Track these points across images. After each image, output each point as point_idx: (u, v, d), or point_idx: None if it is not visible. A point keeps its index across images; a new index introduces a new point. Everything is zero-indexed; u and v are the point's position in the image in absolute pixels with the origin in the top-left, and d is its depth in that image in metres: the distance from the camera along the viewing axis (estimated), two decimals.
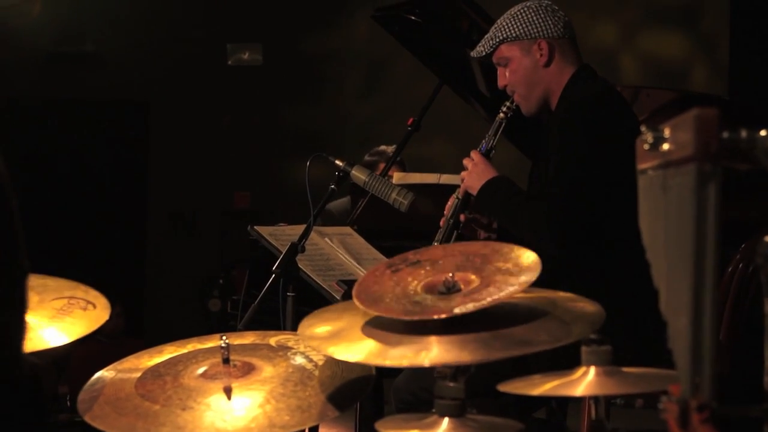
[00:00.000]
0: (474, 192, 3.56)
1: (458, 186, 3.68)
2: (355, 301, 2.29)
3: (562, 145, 3.40)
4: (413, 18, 4.63)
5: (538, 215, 3.35)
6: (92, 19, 9.76)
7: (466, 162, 3.60)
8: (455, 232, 3.64)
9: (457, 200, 3.64)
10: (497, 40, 3.59)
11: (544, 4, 3.60)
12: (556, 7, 3.62)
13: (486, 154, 3.61)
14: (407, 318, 2.22)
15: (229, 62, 9.77)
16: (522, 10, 3.59)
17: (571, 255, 3.34)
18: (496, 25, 3.63)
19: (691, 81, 8.47)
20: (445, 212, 3.66)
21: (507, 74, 3.62)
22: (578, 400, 2.78)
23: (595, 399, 2.25)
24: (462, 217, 3.63)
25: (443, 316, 2.18)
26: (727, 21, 8.31)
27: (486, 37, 3.64)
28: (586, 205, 3.31)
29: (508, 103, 3.64)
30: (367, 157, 6.13)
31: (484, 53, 3.64)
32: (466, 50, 3.81)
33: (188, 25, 9.73)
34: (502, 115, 3.65)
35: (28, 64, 9.72)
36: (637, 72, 8.57)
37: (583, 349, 2.15)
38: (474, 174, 3.56)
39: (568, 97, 3.53)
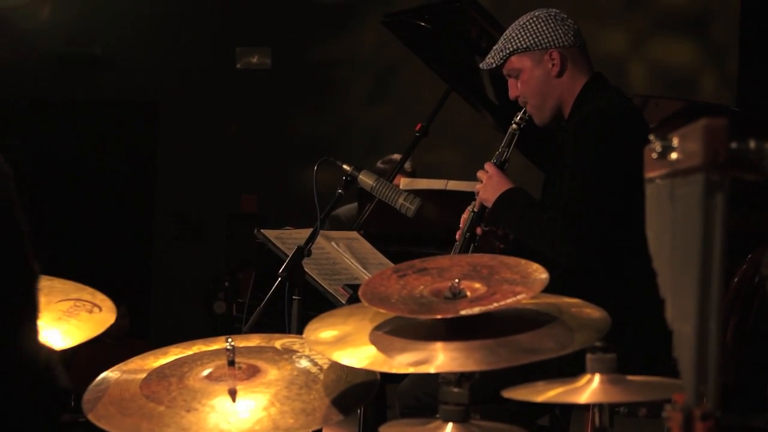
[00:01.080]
0: (489, 204, 3.54)
1: (466, 192, 3.68)
2: (361, 299, 2.30)
3: (577, 157, 3.38)
4: (423, 24, 4.63)
5: (552, 228, 3.34)
6: (101, 21, 9.78)
7: (480, 174, 3.58)
8: (472, 245, 3.62)
9: (472, 213, 3.62)
10: (507, 51, 3.56)
11: (553, 13, 3.57)
12: (566, 16, 3.59)
13: (500, 167, 3.59)
14: (412, 316, 2.23)
15: (238, 65, 9.79)
16: (531, 20, 3.56)
17: (585, 267, 3.33)
18: (505, 36, 3.59)
19: (699, 90, 8.47)
20: (460, 225, 3.65)
21: (519, 85, 3.59)
22: (582, 408, 2.78)
23: (599, 407, 2.25)
24: (478, 230, 3.61)
25: (449, 315, 2.18)
26: (737, 30, 8.30)
27: (495, 48, 3.61)
28: (601, 217, 3.30)
29: (520, 114, 3.62)
30: (379, 164, 6.15)
31: (494, 65, 3.61)
32: (475, 57, 3.81)
33: (197, 27, 9.75)
34: (514, 126, 3.62)
35: (38, 66, 9.75)
36: (646, 80, 8.57)
37: (588, 356, 2.16)
38: (489, 186, 3.54)
39: (582, 108, 3.51)
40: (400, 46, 4.89)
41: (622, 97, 3.59)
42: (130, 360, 2.56)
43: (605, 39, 8.49)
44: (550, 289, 2.28)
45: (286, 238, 3.82)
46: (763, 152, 1.52)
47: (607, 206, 3.30)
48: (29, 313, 1.65)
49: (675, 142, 1.57)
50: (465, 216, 3.65)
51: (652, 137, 1.61)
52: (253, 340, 2.60)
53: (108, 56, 9.83)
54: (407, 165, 5.96)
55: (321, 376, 2.41)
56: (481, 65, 3.68)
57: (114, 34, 9.80)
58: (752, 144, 1.52)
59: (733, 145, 1.50)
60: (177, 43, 9.76)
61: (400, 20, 4.81)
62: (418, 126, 4.81)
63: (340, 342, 2.30)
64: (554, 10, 3.59)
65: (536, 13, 3.58)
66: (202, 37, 9.74)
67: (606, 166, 3.33)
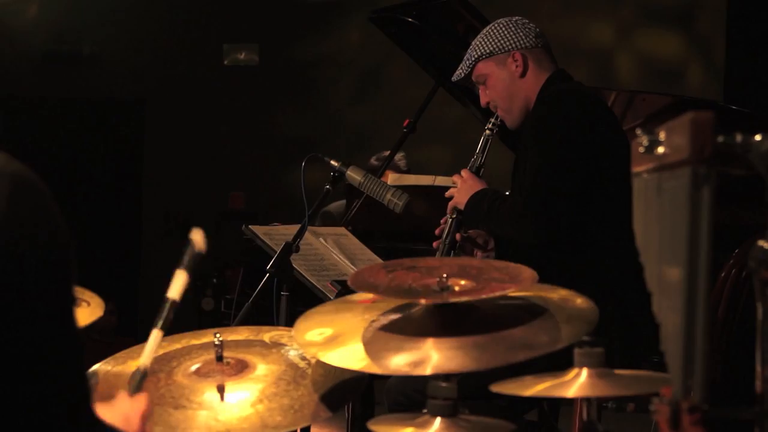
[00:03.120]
0: (462, 207, 3.61)
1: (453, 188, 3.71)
2: (350, 285, 2.29)
3: (536, 140, 3.48)
4: (410, 20, 4.64)
5: (516, 210, 3.39)
6: (88, 18, 9.76)
7: (455, 179, 3.66)
8: (452, 252, 3.67)
9: (450, 220, 3.68)
10: (473, 59, 3.69)
11: (514, 19, 3.70)
12: (527, 20, 3.72)
13: (476, 172, 3.67)
14: (401, 299, 2.23)
15: (225, 62, 9.77)
16: (492, 27, 3.69)
17: (551, 243, 3.37)
18: (470, 47, 3.72)
19: (686, 82, 8.48)
20: (436, 233, 3.70)
21: (487, 91, 3.69)
22: (570, 402, 2.79)
23: (587, 401, 2.25)
24: (458, 237, 3.66)
25: (437, 301, 2.18)
26: (724, 22, 8.32)
27: (463, 59, 3.73)
28: (562, 192, 3.35)
29: (492, 120, 3.74)
30: (373, 161, 6.13)
31: (462, 75, 3.74)
32: (462, 53, 3.83)
33: (184, 24, 9.73)
34: (488, 132, 3.76)
35: (24, 63, 9.72)
36: (633, 73, 8.58)
37: (576, 350, 2.16)
38: (462, 190, 3.63)
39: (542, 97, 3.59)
40: (385, 46, 4.89)
41: (580, 85, 3.71)
42: (117, 354, 2.55)
43: (592, 32, 8.49)
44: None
45: (274, 234, 3.81)
46: (750, 146, 1.53)
47: (567, 182, 3.37)
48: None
49: (662, 136, 1.57)
50: (443, 224, 3.70)
51: (638, 131, 1.61)
52: (242, 333, 2.60)
53: (95, 54, 9.80)
54: (402, 162, 5.97)
55: (309, 371, 2.41)
56: (452, 78, 3.79)
57: (101, 31, 9.78)
58: (739, 138, 1.53)
59: (720, 138, 1.50)
60: (164, 40, 9.73)
61: (388, 16, 4.81)
62: (406, 122, 4.81)
63: (332, 343, 2.29)
64: (516, 17, 3.73)
65: (497, 21, 3.72)
66: (189, 34, 9.71)
67: (564, 146, 3.41)
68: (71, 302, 1.61)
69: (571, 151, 3.38)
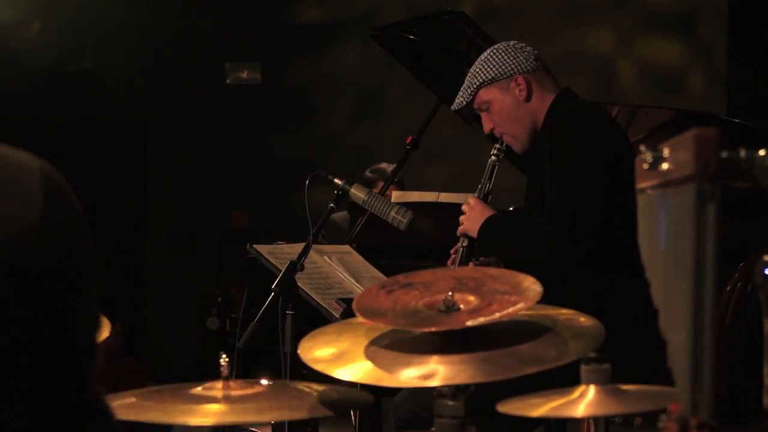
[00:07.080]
0: (474, 234, 3.58)
1: (458, 204, 3.70)
2: (359, 316, 2.29)
3: (555, 156, 3.45)
4: (412, 37, 4.64)
5: (542, 232, 3.38)
6: (91, 38, 9.79)
7: (464, 208, 3.64)
8: None
9: (462, 249, 3.65)
10: (474, 86, 3.65)
11: (511, 44, 3.68)
12: (524, 44, 3.70)
13: (484, 199, 3.65)
14: (418, 329, 2.21)
15: (228, 81, 9.79)
16: (492, 53, 3.65)
17: (582, 264, 3.36)
18: (470, 74, 3.68)
19: (688, 88, 8.49)
20: (449, 264, 3.67)
21: (491, 117, 3.66)
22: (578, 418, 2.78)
23: (595, 417, 2.25)
24: (471, 266, 3.63)
25: (455, 327, 2.16)
26: (725, 28, 8.34)
27: (462, 87, 3.70)
28: (588, 212, 3.35)
29: (498, 146, 3.70)
30: (367, 173, 6.14)
31: (464, 103, 3.70)
32: (464, 69, 3.83)
33: (186, 43, 9.75)
34: (493, 158, 3.72)
35: (27, 84, 9.74)
36: (635, 81, 8.59)
37: (583, 367, 2.15)
38: (472, 217, 3.60)
39: (554, 116, 3.58)
40: (382, 68, 4.91)
41: (590, 103, 3.71)
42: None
43: (593, 39, 8.51)
44: (543, 301, 2.28)
45: (279, 253, 3.81)
46: (754, 161, 1.52)
47: (592, 201, 3.36)
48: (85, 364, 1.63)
49: (666, 152, 1.57)
50: (454, 254, 3.67)
51: (642, 148, 1.61)
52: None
53: (97, 74, 9.83)
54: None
55: (314, 394, 2.40)
56: (452, 107, 3.76)
57: (103, 51, 9.81)
58: (743, 153, 1.52)
59: (724, 154, 1.50)
60: (166, 59, 9.76)
61: (389, 34, 4.83)
62: (409, 139, 4.82)
63: (340, 360, 2.28)
64: (513, 41, 3.71)
65: (495, 46, 3.68)
66: (191, 53, 9.74)
67: (585, 162, 3.41)
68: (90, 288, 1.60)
69: (592, 168, 3.38)
